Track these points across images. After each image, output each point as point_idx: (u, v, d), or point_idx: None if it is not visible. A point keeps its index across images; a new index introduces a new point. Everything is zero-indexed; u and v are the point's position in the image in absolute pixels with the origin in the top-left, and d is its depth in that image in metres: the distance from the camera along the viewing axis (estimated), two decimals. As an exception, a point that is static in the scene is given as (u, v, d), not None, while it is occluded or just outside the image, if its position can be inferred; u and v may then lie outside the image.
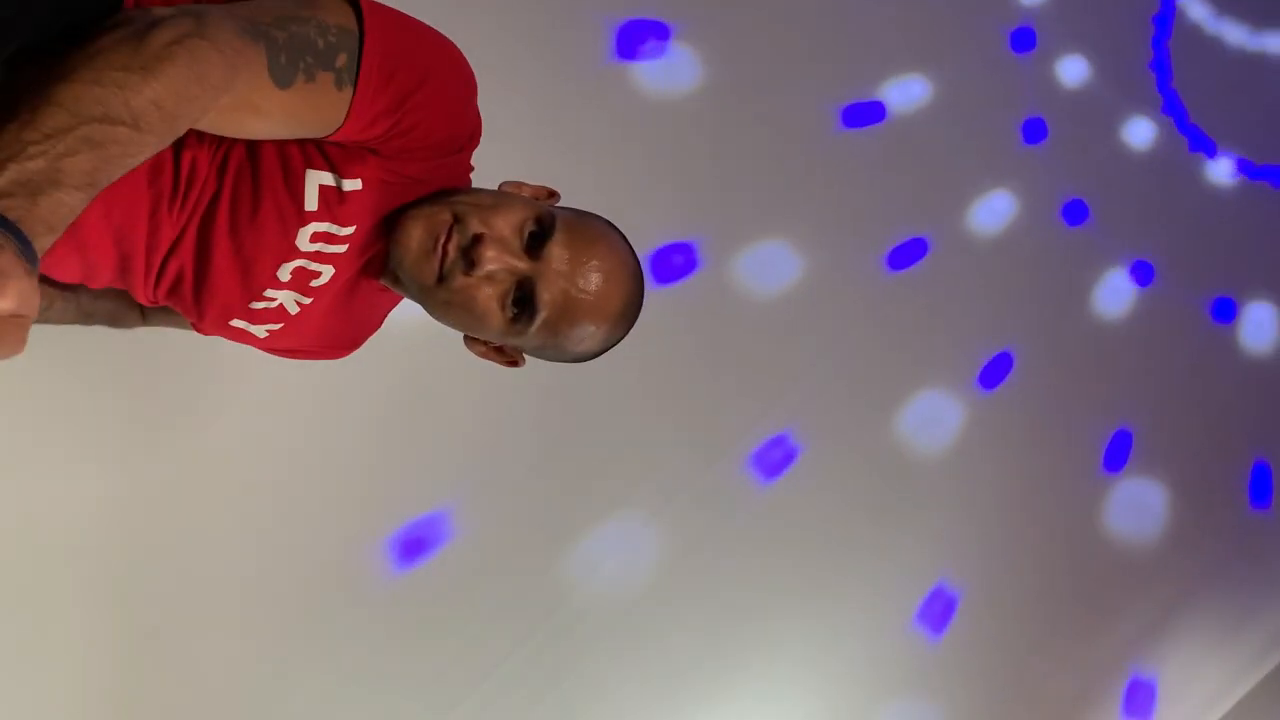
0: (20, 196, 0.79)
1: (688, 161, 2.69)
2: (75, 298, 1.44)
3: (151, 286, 1.24)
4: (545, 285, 1.21)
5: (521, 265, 1.20)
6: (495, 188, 1.30)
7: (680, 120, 2.69)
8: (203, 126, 1.06)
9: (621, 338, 1.31)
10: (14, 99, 0.87)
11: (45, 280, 1.29)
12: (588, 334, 1.25)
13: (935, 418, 3.02)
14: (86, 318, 1.48)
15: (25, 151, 0.81)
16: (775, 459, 2.80)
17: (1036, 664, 3.02)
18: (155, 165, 1.13)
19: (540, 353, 1.31)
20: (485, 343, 1.32)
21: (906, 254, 3.04)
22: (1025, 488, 3.08)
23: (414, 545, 2.37)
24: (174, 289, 1.25)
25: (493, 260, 1.18)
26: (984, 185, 3.20)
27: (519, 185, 1.32)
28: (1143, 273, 3.35)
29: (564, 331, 1.24)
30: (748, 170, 2.80)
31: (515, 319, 1.22)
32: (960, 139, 3.17)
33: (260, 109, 1.05)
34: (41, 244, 0.79)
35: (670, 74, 2.71)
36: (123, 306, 1.49)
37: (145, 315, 1.52)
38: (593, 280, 1.22)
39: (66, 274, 1.21)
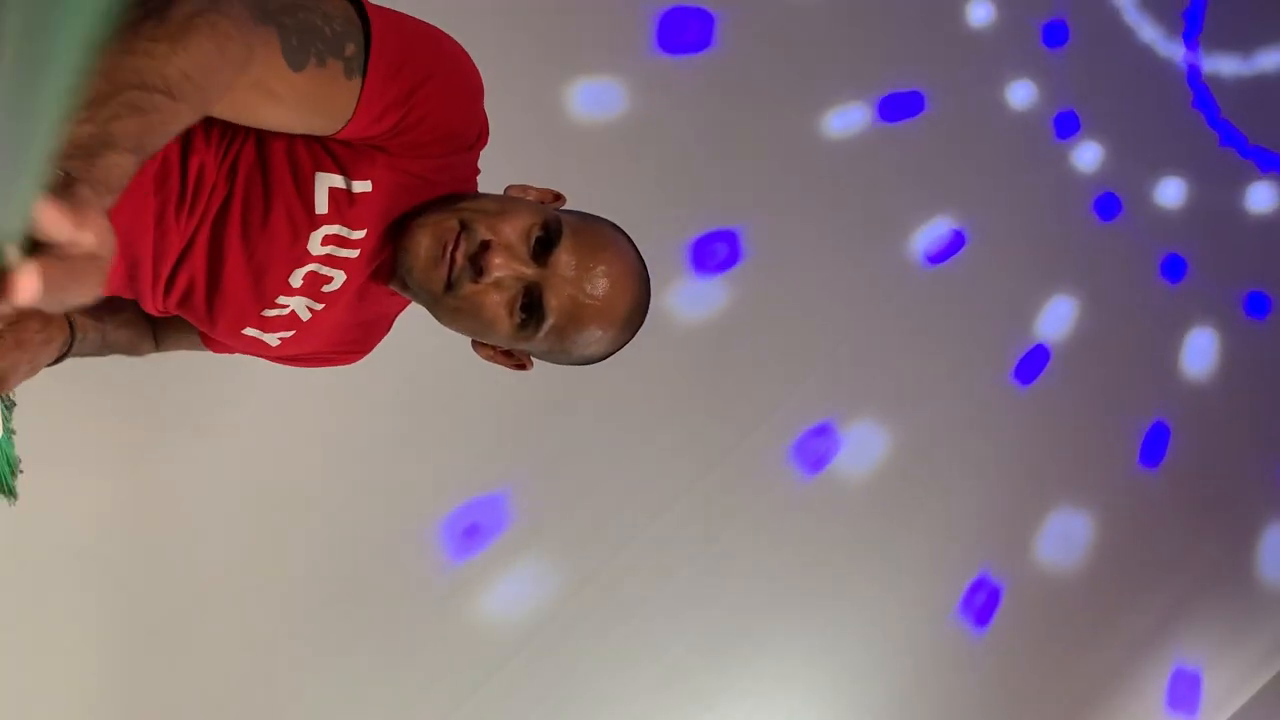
0: (79, 158, 0.79)
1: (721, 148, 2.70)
2: (101, 330, 1.43)
3: (161, 296, 1.23)
4: (553, 291, 1.21)
5: (529, 272, 1.20)
6: (501, 191, 1.31)
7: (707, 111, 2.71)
8: (217, 112, 1.06)
9: (628, 341, 1.31)
10: None
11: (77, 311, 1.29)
12: (595, 338, 1.26)
13: (972, 409, 3.03)
14: (105, 349, 1.46)
15: (74, 119, 0.80)
16: (817, 450, 2.80)
17: (1079, 655, 3.02)
18: (162, 170, 1.13)
19: (547, 356, 1.31)
20: (493, 347, 1.32)
21: (944, 247, 3.04)
22: (1064, 476, 3.08)
23: (472, 530, 2.38)
24: (185, 299, 1.24)
25: (500, 267, 1.18)
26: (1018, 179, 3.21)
27: (524, 189, 1.31)
28: (1175, 268, 3.36)
29: (571, 337, 1.24)
30: (782, 160, 2.81)
31: (523, 325, 1.22)
32: (995, 131, 3.18)
33: (275, 92, 1.06)
34: (103, 205, 0.78)
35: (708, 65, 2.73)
36: (137, 336, 1.48)
37: (158, 341, 1.51)
38: (600, 286, 1.22)
39: None
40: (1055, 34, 3.31)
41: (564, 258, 1.21)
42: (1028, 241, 3.16)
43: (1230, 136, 3.49)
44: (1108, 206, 3.30)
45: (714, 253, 2.68)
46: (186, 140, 1.13)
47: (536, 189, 1.32)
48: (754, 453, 2.77)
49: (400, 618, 2.45)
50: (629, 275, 1.26)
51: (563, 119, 2.56)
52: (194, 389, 2.16)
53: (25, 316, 1.22)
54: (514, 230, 1.20)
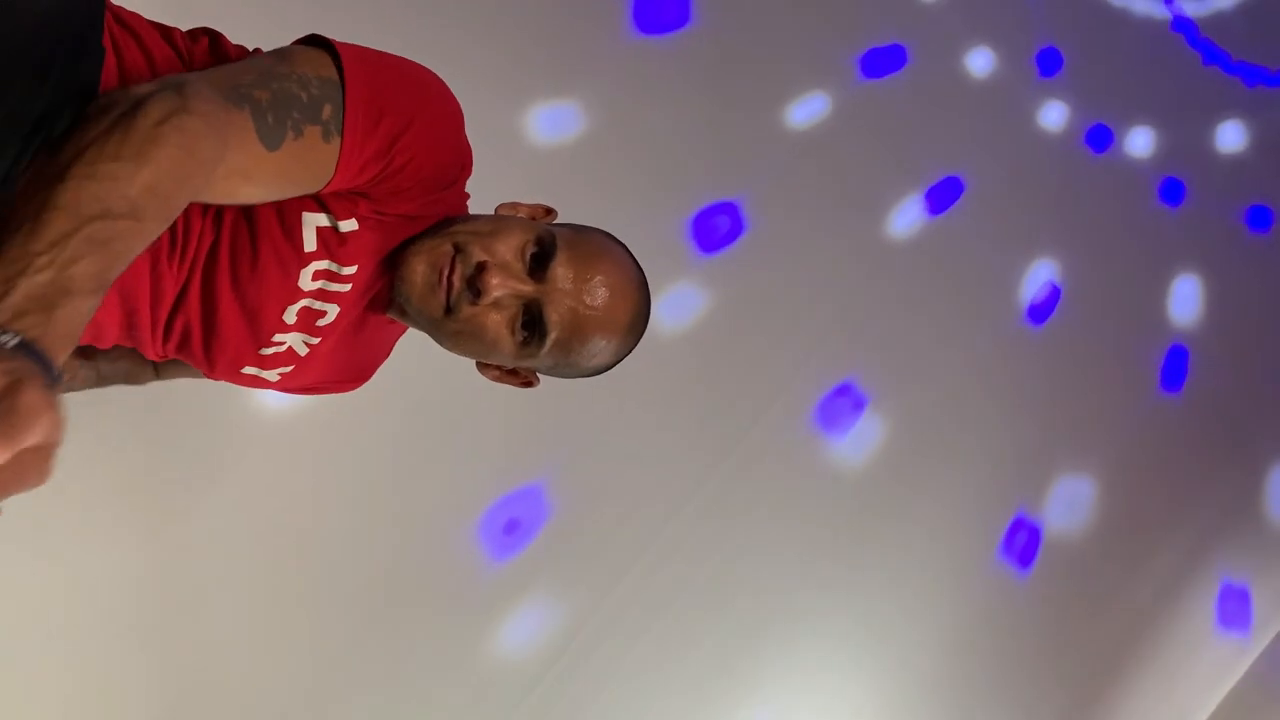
0: (36, 313, 0.78)
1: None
2: (94, 365, 1.43)
3: (160, 342, 1.23)
4: (553, 306, 1.21)
5: (526, 288, 1.20)
6: (491, 211, 1.30)
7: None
8: (198, 199, 1.05)
9: (633, 348, 1.31)
10: (14, 202, 0.86)
11: None
12: (599, 349, 1.25)
13: (989, 354, 3.03)
14: (103, 381, 1.47)
15: (33, 264, 0.80)
16: (842, 409, 2.80)
17: (1124, 586, 3.02)
18: None
19: (553, 371, 1.31)
20: (498, 367, 1.32)
21: (943, 194, 3.04)
22: (1087, 411, 3.08)
23: (513, 525, 2.38)
24: (183, 344, 1.24)
25: (498, 287, 1.18)
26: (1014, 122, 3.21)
27: (515, 206, 1.31)
28: (1174, 190, 3.36)
29: (575, 349, 1.24)
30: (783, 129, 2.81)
31: (526, 342, 1.22)
32: (978, 83, 3.18)
33: (251, 174, 1.05)
34: (61, 358, 0.79)
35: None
36: (135, 365, 1.48)
37: (158, 370, 1.51)
38: (599, 295, 1.22)
39: None
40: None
41: (560, 271, 1.21)
42: (1027, 186, 3.17)
43: (1213, 56, 3.49)
44: (1099, 139, 3.31)
45: (716, 227, 2.68)
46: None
47: (526, 205, 1.32)
48: (777, 422, 2.78)
49: (443, 626, 2.45)
50: (627, 283, 1.26)
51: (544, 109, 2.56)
52: (210, 404, 2.16)
53: None
54: (508, 249, 1.20)
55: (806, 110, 2.87)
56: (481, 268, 1.18)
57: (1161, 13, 3.49)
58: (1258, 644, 3.01)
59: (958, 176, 3.06)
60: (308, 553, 2.28)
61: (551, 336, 1.22)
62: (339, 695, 2.34)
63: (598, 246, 1.26)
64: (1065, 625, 2.98)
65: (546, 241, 1.22)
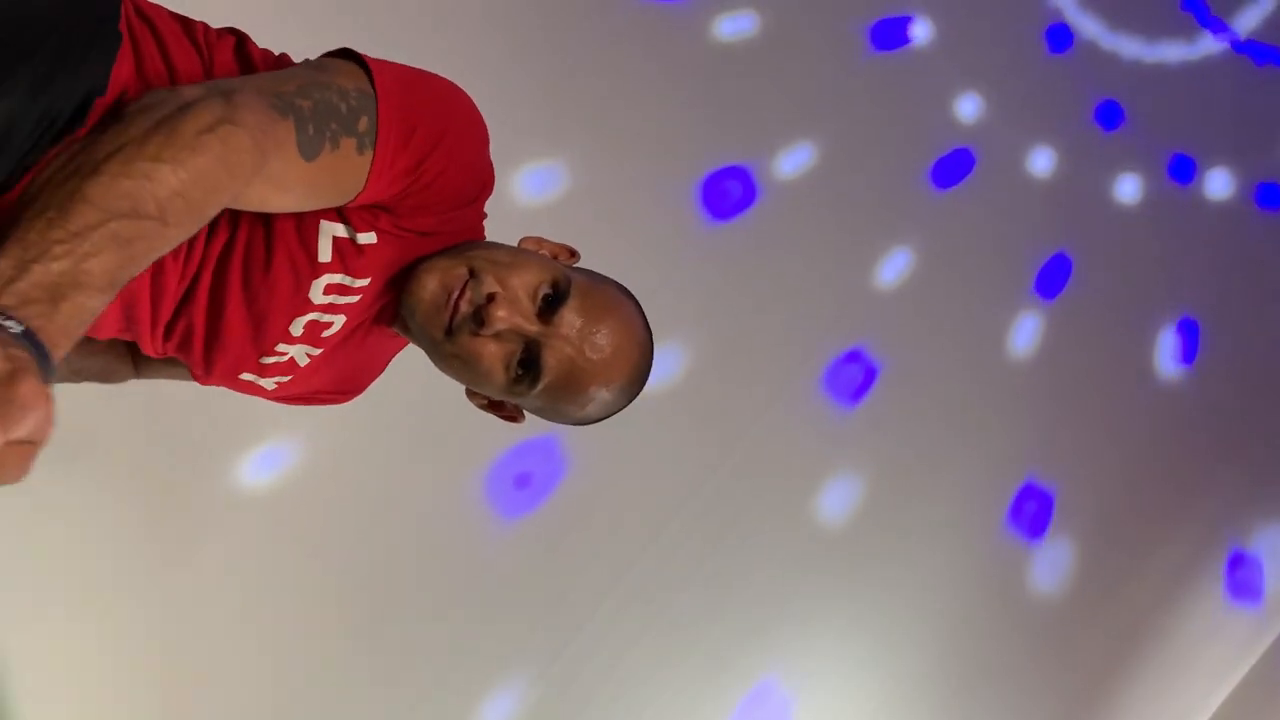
0: (43, 302, 0.77)
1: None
2: (65, 358, 1.41)
3: (160, 340, 1.21)
4: (551, 350, 1.19)
5: (531, 328, 1.18)
6: (515, 240, 1.29)
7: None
8: (228, 206, 1.04)
9: (623, 407, 1.28)
10: (41, 185, 0.85)
11: None
12: (588, 401, 1.23)
13: (1001, 329, 3.03)
14: (75, 375, 1.42)
15: (51, 251, 0.79)
16: (853, 378, 2.80)
17: (1136, 560, 3.01)
18: None
19: (540, 413, 1.29)
20: (486, 397, 1.30)
21: (952, 168, 3.05)
22: (1099, 384, 3.07)
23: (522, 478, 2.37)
24: (184, 344, 1.22)
25: (502, 320, 1.16)
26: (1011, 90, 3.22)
27: (539, 242, 1.29)
28: (1183, 168, 3.36)
29: (566, 397, 1.22)
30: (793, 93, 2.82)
31: (518, 380, 1.20)
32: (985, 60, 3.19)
33: (284, 184, 1.04)
34: (59, 354, 0.78)
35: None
36: (113, 361, 1.44)
37: (139, 369, 1.47)
38: (600, 349, 1.20)
39: None
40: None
41: (568, 317, 1.19)
42: (1038, 145, 3.17)
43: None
44: (1110, 115, 3.32)
45: (728, 191, 2.69)
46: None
47: (551, 244, 1.30)
48: (790, 394, 2.78)
49: (443, 627, 2.44)
50: (631, 341, 1.23)
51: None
52: (209, 396, 2.16)
53: None
54: (522, 285, 1.18)
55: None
56: (491, 298, 1.16)
57: (1203, 45, 3.50)
58: (1272, 619, 3.00)
59: (968, 149, 3.07)
60: (307, 553, 2.29)
61: (544, 381, 1.19)
62: (339, 695, 2.34)
63: (610, 300, 1.24)
64: (1077, 603, 2.97)
65: (561, 285, 1.19)
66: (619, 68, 2.62)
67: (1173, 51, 3.47)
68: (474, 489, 2.45)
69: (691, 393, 2.60)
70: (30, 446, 0.72)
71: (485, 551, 2.44)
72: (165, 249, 0.89)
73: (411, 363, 1.34)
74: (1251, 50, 3.50)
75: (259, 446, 2.24)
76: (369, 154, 1.07)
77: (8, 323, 0.74)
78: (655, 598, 2.60)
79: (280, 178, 1.03)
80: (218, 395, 1.35)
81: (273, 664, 2.26)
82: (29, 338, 0.74)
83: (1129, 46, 3.40)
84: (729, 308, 2.70)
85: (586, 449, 2.49)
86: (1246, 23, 3.56)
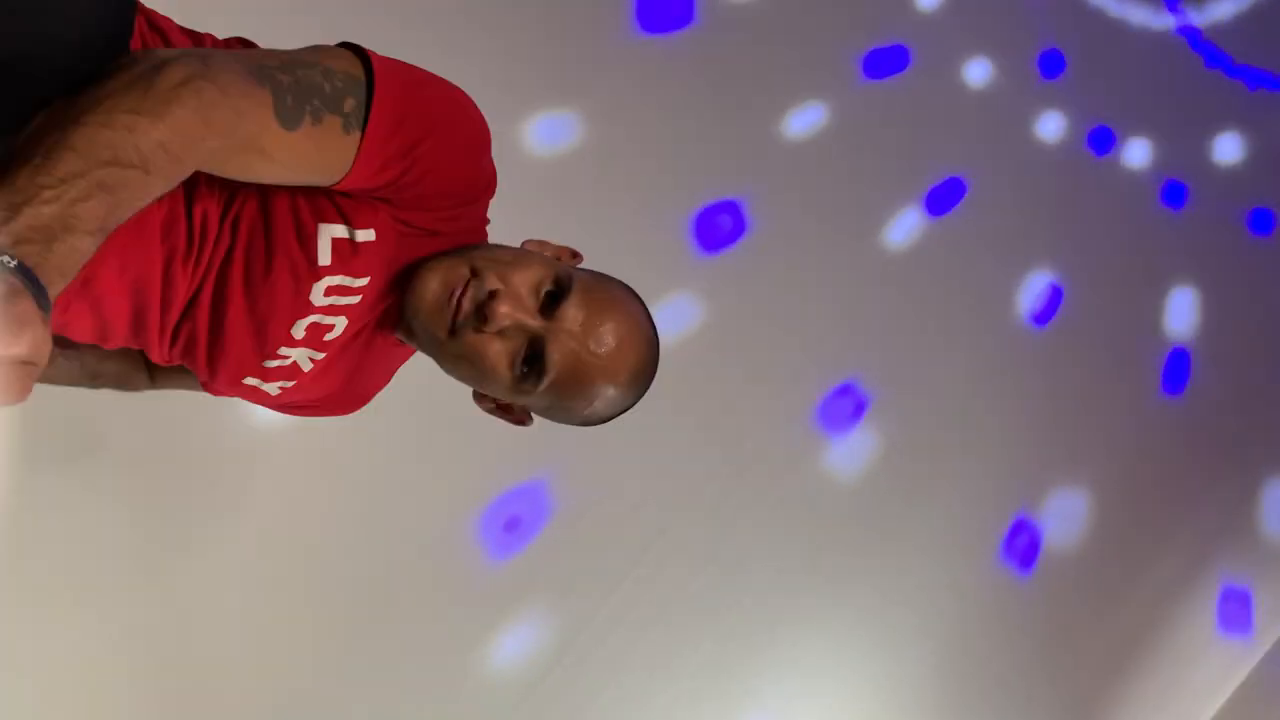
0: (36, 243, 0.79)
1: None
2: (79, 356, 1.40)
3: (167, 346, 1.22)
4: (556, 345, 1.19)
5: (534, 324, 1.18)
6: (518, 242, 1.29)
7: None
8: (211, 169, 1.05)
9: (632, 404, 1.28)
10: (25, 139, 0.88)
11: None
12: (596, 397, 1.23)
13: (994, 361, 3.04)
14: (93, 379, 1.44)
15: (40, 196, 0.81)
16: (844, 410, 2.80)
17: (1124, 589, 3.02)
18: (169, 220, 1.12)
19: (547, 413, 1.29)
20: (494, 400, 1.30)
21: (943, 197, 3.05)
22: (1088, 414, 3.08)
23: (513, 522, 2.37)
24: (188, 349, 1.23)
25: (505, 317, 1.16)
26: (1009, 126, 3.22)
27: (542, 244, 1.29)
28: (1175, 193, 3.37)
29: (572, 394, 1.22)
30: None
31: (523, 378, 1.20)
32: (979, 91, 3.19)
33: (266, 151, 1.04)
34: (54, 290, 0.80)
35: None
36: (129, 369, 1.45)
37: (154, 378, 1.48)
38: (605, 344, 1.20)
39: (81, 333, 1.18)
40: None
41: (571, 312, 1.19)
42: (1027, 189, 3.18)
43: (1215, 60, 3.50)
44: (1101, 141, 3.31)
45: (719, 225, 2.68)
46: (190, 186, 1.12)
47: (554, 245, 1.30)
48: (778, 422, 2.78)
49: (442, 628, 2.44)
50: (636, 336, 1.23)
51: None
52: (211, 407, 2.16)
53: None
54: (524, 282, 1.19)
55: (807, 117, 2.88)
56: (493, 295, 1.16)
57: (1164, 20, 3.50)
58: (1259, 646, 3.01)
59: (959, 178, 3.06)
60: (306, 553, 2.28)
61: (550, 376, 1.19)
62: (339, 695, 2.34)
63: (614, 296, 1.24)
64: (1066, 628, 2.98)
65: (564, 281, 1.20)
66: (619, 99, 2.62)
67: (1138, 14, 3.47)
68: (474, 501, 2.45)
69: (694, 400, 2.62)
70: (30, 367, 0.74)
71: (485, 557, 2.44)
72: (148, 198, 0.91)
73: (411, 363, 1.36)
74: (1205, 50, 3.50)
75: (259, 447, 2.25)
76: (356, 134, 1.07)
77: (2, 257, 0.76)
78: (650, 613, 2.62)
79: (261, 144, 1.03)
80: (218, 398, 1.34)
81: (273, 664, 2.25)
82: (24, 273, 0.77)
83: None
84: (717, 341, 2.70)
85: (583, 458, 2.50)
86: (1211, 16, 3.55)
